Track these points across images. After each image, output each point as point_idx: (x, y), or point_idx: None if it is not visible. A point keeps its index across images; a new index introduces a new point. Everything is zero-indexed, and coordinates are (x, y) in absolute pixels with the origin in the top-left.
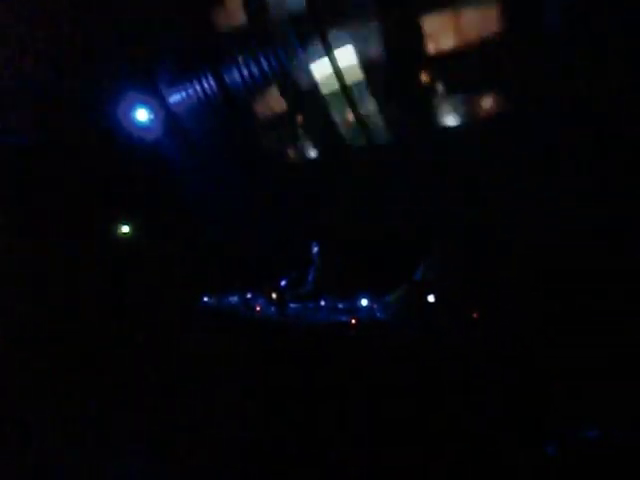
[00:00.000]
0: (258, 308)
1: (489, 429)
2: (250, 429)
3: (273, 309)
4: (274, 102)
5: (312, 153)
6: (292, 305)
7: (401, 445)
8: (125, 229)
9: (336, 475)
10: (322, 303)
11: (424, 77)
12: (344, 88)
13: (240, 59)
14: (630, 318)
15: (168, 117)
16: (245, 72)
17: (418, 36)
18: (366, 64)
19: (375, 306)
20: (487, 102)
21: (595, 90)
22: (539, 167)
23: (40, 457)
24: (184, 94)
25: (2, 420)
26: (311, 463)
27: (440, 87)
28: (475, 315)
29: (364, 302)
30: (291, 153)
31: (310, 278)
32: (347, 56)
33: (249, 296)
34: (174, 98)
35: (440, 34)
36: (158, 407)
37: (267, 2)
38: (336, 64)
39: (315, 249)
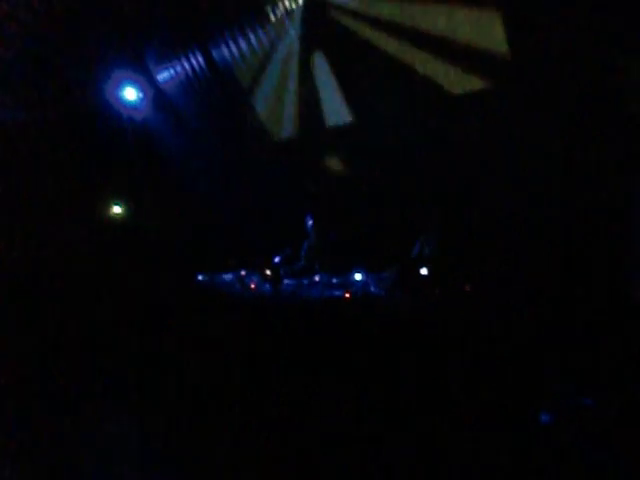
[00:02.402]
0: (253, 285)
1: (482, 403)
2: (245, 407)
3: (268, 286)
4: (263, 77)
5: (304, 128)
6: (286, 281)
7: (394, 420)
8: (117, 209)
9: (331, 453)
10: (316, 278)
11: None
12: (332, 64)
13: (228, 35)
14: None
15: (157, 95)
16: (233, 48)
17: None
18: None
19: (369, 280)
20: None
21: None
22: (529, 148)
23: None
24: (173, 72)
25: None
26: (305, 441)
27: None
28: (467, 288)
29: (358, 277)
30: (282, 128)
31: (304, 254)
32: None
33: (243, 273)
34: (163, 76)
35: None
36: (155, 386)
37: None
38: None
39: (309, 222)
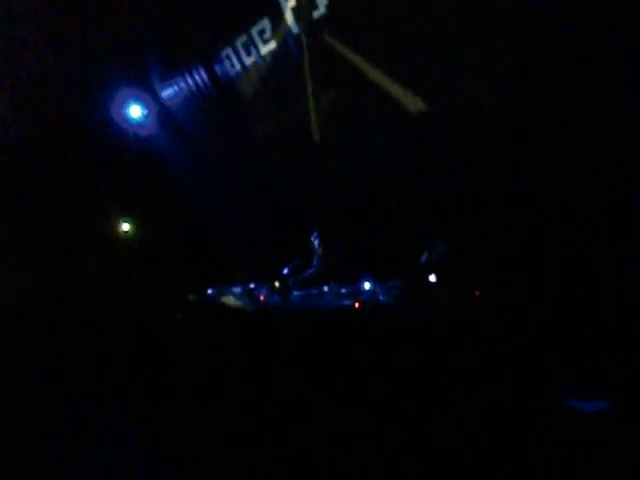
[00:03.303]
0: (262, 297)
1: (492, 406)
2: (256, 417)
3: (277, 297)
4: (265, 92)
5: (309, 141)
6: (295, 292)
7: (404, 426)
8: (124, 225)
9: (341, 458)
10: (325, 289)
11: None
12: (336, 76)
13: (230, 52)
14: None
15: (162, 112)
16: (236, 64)
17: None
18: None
19: (378, 289)
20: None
21: None
22: (535, 155)
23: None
24: (177, 88)
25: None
26: (317, 448)
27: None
28: (476, 294)
29: (367, 286)
30: (285, 141)
31: (312, 264)
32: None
33: (252, 286)
34: (167, 93)
35: None
36: (163, 398)
37: None
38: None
39: (316, 239)
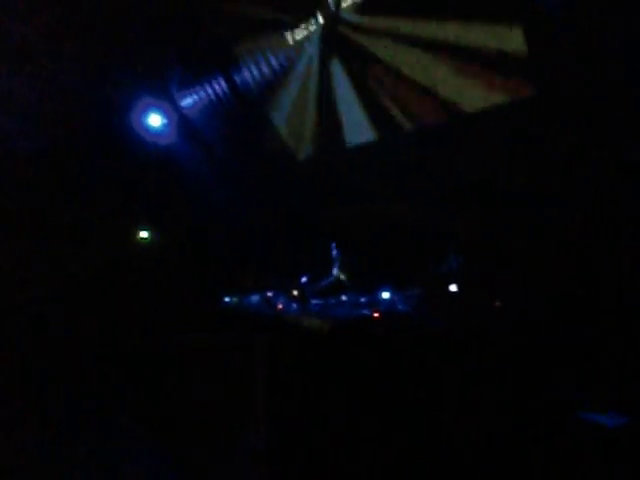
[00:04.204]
0: (280, 306)
1: (512, 417)
2: (273, 427)
3: (295, 306)
4: (285, 99)
5: (327, 148)
6: (313, 301)
7: (423, 435)
8: (143, 234)
9: (358, 468)
10: (343, 298)
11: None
12: (358, 86)
13: (249, 59)
14: None
15: (181, 121)
16: (255, 72)
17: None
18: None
19: (397, 298)
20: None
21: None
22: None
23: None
24: (196, 97)
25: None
26: (333, 460)
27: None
28: (497, 304)
29: (386, 295)
30: (305, 149)
31: (330, 273)
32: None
33: (270, 294)
34: (186, 102)
35: None
36: (179, 405)
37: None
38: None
39: (334, 248)
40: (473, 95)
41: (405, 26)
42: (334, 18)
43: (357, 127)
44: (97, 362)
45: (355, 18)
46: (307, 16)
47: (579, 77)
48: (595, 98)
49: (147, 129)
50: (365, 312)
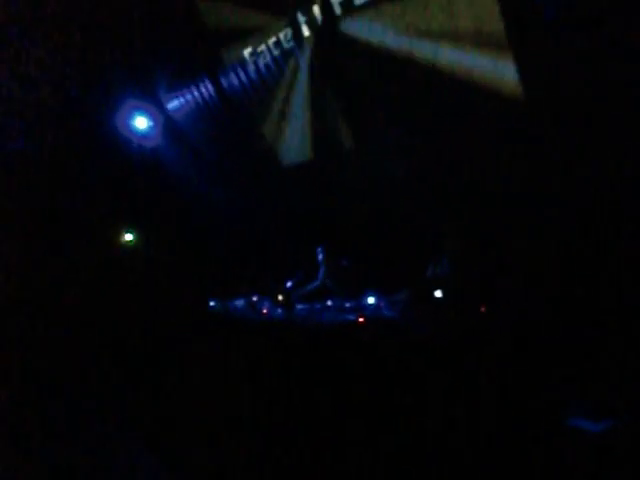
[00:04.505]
0: (265, 310)
1: (499, 424)
2: (257, 432)
3: (280, 311)
4: (272, 104)
5: (314, 154)
6: (299, 306)
7: (408, 441)
8: (128, 237)
9: (344, 472)
10: (329, 303)
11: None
12: (342, 89)
13: (237, 63)
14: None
15: (167, 124)
16: (242, 76)
17: None
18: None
19: (382, 304)
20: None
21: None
22: (541, 166)
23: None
24: (183, 100)
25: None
26: (320, 466)
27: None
28: (482, 309)
29: (371, 300)
30: (292, 154)
31: (316, 278)
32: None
33: (255, 299)
34: (173, 104)
35: None
36: (164, 411)
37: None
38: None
39: (320, 253)
40: (460, 106)
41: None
42: (321, 24)
43: (345, 136)
44: (82, 362)
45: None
46: (295, 21)
47: (579, 77)
48: (595, 98)
49: (133, 131)
50: (350, 317)
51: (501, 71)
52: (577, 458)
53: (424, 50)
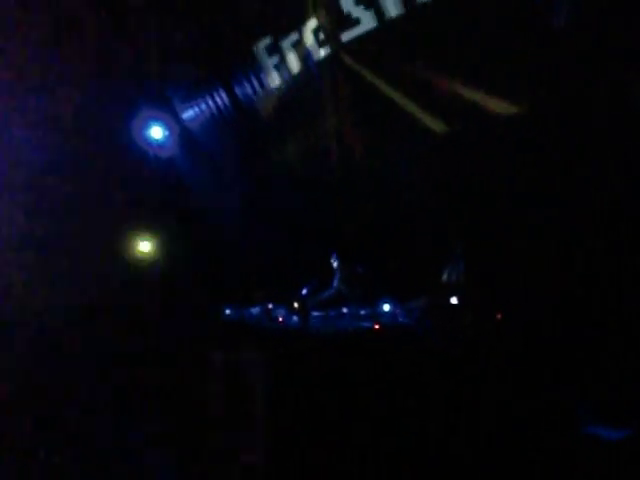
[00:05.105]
0: (280, 318)
1: (515, 430)
2: (274, 438)
3: (295, 318)
4: (286, 114)
5: (328, 163)
6: (314, 313)
7: (424, 448)
8: (145, 245)
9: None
10: (344, 310)
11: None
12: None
13: (251, 73)
14: None
15: (183, 133)
16: (256, 85)
17: None
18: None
19: (398, 311)
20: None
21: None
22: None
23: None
24: (198, 110)
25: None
26: (328, 473)
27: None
28: (498, 316)
29: (386, 307)
30: (306, 163)
31: (331, 286)
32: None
33: (270, 306)
34: (188, 114)
35: None
36: (181, 419)
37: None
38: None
39: (335, 260)
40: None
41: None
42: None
43: (358, 146)
44: (95, 373)
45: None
46: (309, 32)
47: (579, 77)
48: (595, 98)
49: (149, 141)
50: (366, 324)
51: None
52: (594, 466)
53: None
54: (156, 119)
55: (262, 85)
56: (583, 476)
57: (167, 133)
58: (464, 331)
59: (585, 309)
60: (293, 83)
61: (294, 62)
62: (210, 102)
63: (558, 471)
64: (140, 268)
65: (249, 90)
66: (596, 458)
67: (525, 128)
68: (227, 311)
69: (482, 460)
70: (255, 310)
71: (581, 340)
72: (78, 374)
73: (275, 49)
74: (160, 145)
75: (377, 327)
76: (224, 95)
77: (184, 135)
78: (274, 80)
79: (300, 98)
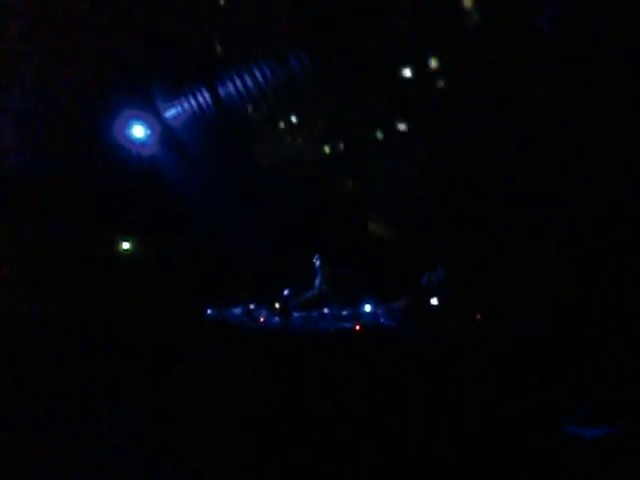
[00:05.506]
0: (262, 319)
1: (496, 430)
2: (253, 439)
3: (277, 319)
4: (269, 114)
5: (311, 164)
6: (296, 314)
7: (405, 450)
8: (125, 245)
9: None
10: (326, 311)
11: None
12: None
13: (234, 72)
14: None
15: (165, 132)
16: (239, 85)
17: None
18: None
19: (379, 312)
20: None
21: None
22: (538, 170)
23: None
24: (180, 109)
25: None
26: (310, 472)
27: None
28: (478, 317)
29: (368, 308)
30: (290, 164)
31: (313, 286)
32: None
33: (252, 307)
34: (170, 113)
35: None
36: (161, 419)
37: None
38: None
39: (317, 261)
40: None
41: None
42: None
43: (343, 148)
44: (78, 371)
45: None
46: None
47: (579, 77)
48: (595, 98)
49: (130, 140)
50: (347, 325)
51: None
52: (574, 464)
53: None
54: (138, 118)
55: (246, 86)
56: (566, 476)
57: (149, 132)
58: (446, 332)
59: (570, 309)
60: (276, 85)
61: (277, 65)
62: (192, 101)
63: (540, 471)
64: (120, 267)
65: (232, 89)
66: (579, 458)
67: (524, 128)
68: (208, 311)
69: (464, 461)
70: (237, 310)
71: (564, 340)
72: (64, 372)
73: (260, 51)
74: (142, 144)
75: (358, 328)
76: (207, 95)
77: (166, 134)
78: (257, 81)
79: (282, 100)
